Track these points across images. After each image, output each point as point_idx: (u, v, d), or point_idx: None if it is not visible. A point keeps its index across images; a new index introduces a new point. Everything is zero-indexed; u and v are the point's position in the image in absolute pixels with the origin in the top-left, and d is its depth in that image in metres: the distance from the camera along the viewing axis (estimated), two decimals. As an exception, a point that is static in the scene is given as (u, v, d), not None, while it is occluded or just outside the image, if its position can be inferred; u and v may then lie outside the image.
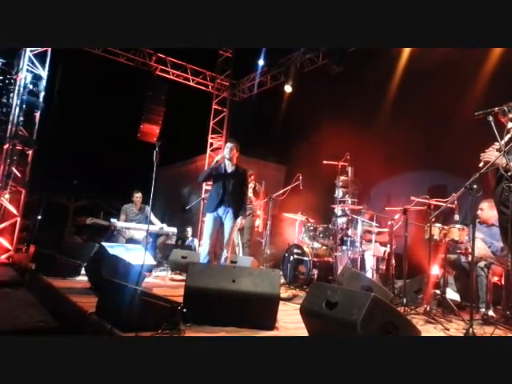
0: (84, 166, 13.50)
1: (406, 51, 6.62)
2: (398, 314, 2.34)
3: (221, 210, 4.61)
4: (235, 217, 4.58)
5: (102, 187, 13.59)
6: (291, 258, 5.24)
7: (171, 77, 9.56)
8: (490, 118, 2.92)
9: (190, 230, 9.19)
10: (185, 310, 2.51)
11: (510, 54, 5.24)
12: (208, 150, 10.31)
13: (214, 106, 10.32)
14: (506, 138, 2.95)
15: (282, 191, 5.69)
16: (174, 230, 6.62)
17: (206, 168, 5.46)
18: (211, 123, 10.33)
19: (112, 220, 6.18)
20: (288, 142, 8.62)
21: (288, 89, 8.45)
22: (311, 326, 2.46)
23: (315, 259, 5.08)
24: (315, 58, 8.44)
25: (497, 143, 2.93)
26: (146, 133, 9.11)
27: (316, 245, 5.33)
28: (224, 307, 2.68)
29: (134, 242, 6.27)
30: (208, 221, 4.65)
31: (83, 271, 4.40)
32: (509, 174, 2.89)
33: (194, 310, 2.57)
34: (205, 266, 3.20)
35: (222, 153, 4.99)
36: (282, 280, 5.10)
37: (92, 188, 13.94)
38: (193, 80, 9.93)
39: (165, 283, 4.84)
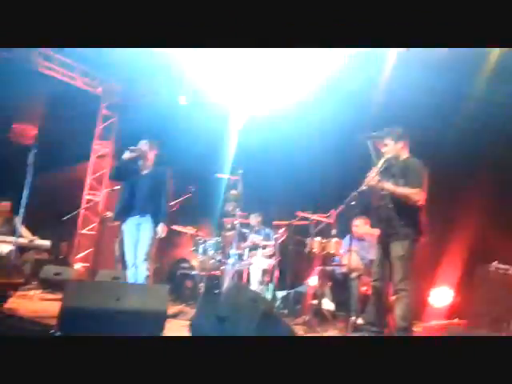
0: None
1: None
2: (286, 325, 2.46)
3: (134, 218, 4.00)
4: (155, 224, 3.94)
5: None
6: (178, 272, 5.13)
7: (56, 74, 8.72)
8: (370, 141, 3.27)
9: (65, 245, 8.37)
10: (58, 334, 2.27)
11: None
12: (92, 156, 9.63)
13: (103, 111, 9.72)
14: (381, 162, 3.26)
15: (173, 203, 5.55)
16: (47, 243, 5.98)
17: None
18: (98, 128, 9.69)
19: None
20: (179, 152, 8.43)
21: (182, 100, 8.38)
22: (200, 343, 2.43)
23: (202, 273, 5.06)
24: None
25: (375, 167, 3.23)
26: (20, 133, 8.15)
27: (204, 258, 5.32)
28: (107, 328, 2.49)
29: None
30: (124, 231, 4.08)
31: None
32: (382, 192, 3.25)
33: (71, 332, 2.33)
34: (84, 284, 2.94)
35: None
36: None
37: None
38: (80, 80, 9.21)
39: (33, 303, 4.30)
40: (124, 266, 5.56)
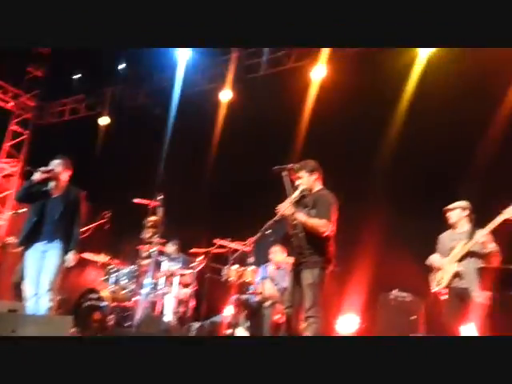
0: None
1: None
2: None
3: (40, 244, 3.74)
4: (63, 251, 3.73)
5: None
6: (85, 304, 4.79)
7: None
8: (285, 173, 3.40)
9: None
10: None
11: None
12: (-2, 175, 8.81)
13: (13, 127, 9.03)
14: (296, 193, 3.40)
15: (85, 229, 5.22)
16: None
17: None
18: (6, 145, 8.96)
19: None
20: (96, 175, 8.00)
21: (103, 121, 8.08)
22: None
23: (113, 304, 4.78)
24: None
25: (289, 198, 3.34)
26: None
27: (116, 288, 5.04)
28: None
29: None
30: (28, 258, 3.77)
31: None
32: (294, 222, 3.38)
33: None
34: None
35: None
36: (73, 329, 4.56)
37: None
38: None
39: None
40: (23, 297, 5.05)
